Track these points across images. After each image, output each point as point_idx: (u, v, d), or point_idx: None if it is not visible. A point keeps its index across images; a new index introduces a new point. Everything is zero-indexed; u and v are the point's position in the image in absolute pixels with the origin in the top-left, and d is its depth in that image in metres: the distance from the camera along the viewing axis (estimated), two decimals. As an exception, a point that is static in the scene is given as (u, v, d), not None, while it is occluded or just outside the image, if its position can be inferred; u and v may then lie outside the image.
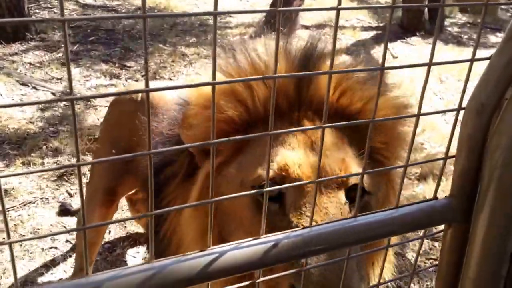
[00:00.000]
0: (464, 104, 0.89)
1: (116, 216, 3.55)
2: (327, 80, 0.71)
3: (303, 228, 0.79)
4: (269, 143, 0.74)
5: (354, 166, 1.19)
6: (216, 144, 0.67)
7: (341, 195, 1.16)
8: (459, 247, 0.97)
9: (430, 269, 3.19)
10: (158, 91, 2.35)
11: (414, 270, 1.02)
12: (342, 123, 0.88)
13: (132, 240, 3.46)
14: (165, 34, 7.11)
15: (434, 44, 0.79)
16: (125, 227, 3.55)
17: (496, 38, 8.95)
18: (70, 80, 0.54)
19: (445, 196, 0.95)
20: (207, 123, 1.23)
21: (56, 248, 3.33)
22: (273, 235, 0.76)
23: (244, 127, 1.25)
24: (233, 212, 1.21)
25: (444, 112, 0.88)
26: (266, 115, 1.22)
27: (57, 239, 3.40)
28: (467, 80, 0.86)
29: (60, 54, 5.98)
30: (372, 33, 8.49)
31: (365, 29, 8.71)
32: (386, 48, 0.74)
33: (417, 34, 8.48)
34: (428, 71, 0.82)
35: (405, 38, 8.27)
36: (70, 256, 3.24)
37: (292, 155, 1.16)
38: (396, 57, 7.37)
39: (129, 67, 5.89)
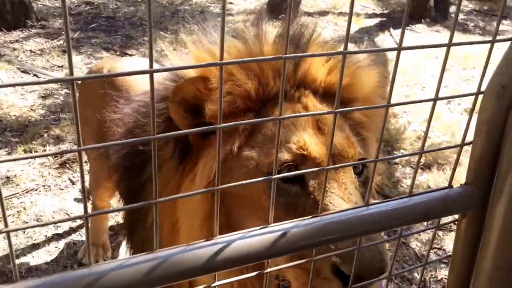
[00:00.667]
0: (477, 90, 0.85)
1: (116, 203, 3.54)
2: (342, 60, 0.66)
3: (313, 217, 0.76)
4: (278, 129, 0.70)
5: (355, 142, 1.25)
6: (223, 128, 0.64)
7: (351, 170, 1.21)
8: (475, 237, 0.93)
9: (433, 258, 3.16)
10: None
11: (426, 261, 0.98)
12: (355, 108, 0.84)
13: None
14: (167, 22, 7.02)
15: (454, 25, 0.75)
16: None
17: (502, 25, 8.82)
18: (70, 61, 0.50)
19: (460, 184, 0.91)
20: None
21: (59, 235, 3.32)
22: (283, 223, 0.72)
23: (258, 105, 1.22)
24: (245, 198, 1.18)
25: (462, 96, 0.83)
26: (276, 91, 1.22)
27: (60, 226, 3.38)
28: (487, 63, 0.82)
29: (61, 42, 5.92)
30: (376, 20, 8.38)
31: (369, 16, 8.59)
32: (404, 29, 0.70)
33: (422, 21, 8.38)
34: (447, 52, 0.77)
35: (410, 25, 8.16)
36: (75, 244, 3.23)
37: (307, 135, 1.16)
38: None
39: (131, 54, 5.82)
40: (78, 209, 3.51)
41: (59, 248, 3.21)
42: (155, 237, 0.61)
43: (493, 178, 0.88)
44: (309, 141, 1.15)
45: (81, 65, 5.44)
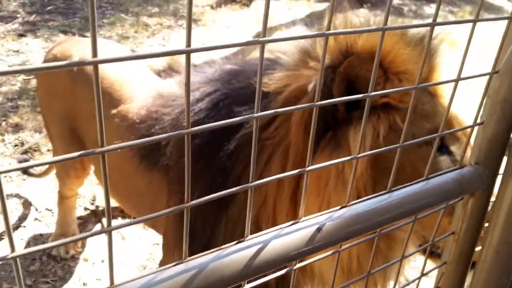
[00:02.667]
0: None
1: (87, 186, 3.32)
2: (381, 36, 0.57)
3: (341, 208, 0.68)
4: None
5: None
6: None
7: None
8: (479, 216, 0.90)
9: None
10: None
11: (433, 240, 0.94)
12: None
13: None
14: (127, 4, 6.60)
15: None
16: (93, 203, 3.32)
17: (431, 9, 9.13)
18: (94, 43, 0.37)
19: (470, 164, 0.86)
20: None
21: (24, 226, 3.06)
22: (313, 216, 0.63)
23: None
24: (403, 166, 1.13)
25: (477, 77, 0.77)
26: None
27: (24, 218, 3.12)
28: (503, 43, 0.76)
29: (16, 25, 5.40)
30: (325, 5, 8.37)
31: (319, 0, 8.57)
32: (439, 5, 0.62)
33: (364, 6, 8.49)
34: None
35: (353, 10, 8.24)
36: (41, 235, 2.99)
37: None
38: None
39: (86, 38, 5.43)
40: (43, 201, 3.25)
41: (24, 240, 2.97)
42: (185, 244, 0.50)
43: (502, 158, 0.85)
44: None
45: (39, 49, 5.00)
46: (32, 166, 0.40)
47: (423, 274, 0.99)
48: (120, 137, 1.80)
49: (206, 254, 0.53)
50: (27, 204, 3.19)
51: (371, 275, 0.83)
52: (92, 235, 0.45)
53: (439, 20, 0.62)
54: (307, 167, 0.59)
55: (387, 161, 1.12)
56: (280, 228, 0.61)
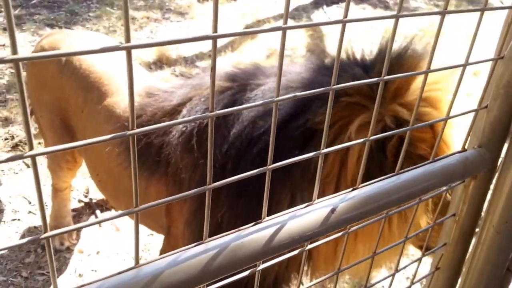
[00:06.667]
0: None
1: (80, 179, 3.27)
2: (394, 25, 0.57)
3: (352, 189, 0.68)
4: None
5: None
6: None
7: None
8: (480, 197, 0.91)
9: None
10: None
11: (435, 222, 0.95)
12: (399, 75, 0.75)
13: (100, 206, 3.22)
14: (112, -3, 6.48)
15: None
16: (86, 195, 3.28)
17: (416, 2, 9.19)
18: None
19: (473, 147, 0.87)
20: None
21: (18, 219, 3.01)
22: (327, 198, 0.63)
23: None
24: None
25: (483, 62, 0.78)
26: None
27: (18, 211, 3.07)
28: (507, 30, 0.77)
29: (1, 19, 5.27)
30: (311, -1, 8.34)
31: (304, -6, 8.54)
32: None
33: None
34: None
35: (339, 3, 8.24)
36: (36, 227, 2.95)
37: None
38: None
39: (75, 30, 5.32)
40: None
41: (19, 233, 2.92)
42: (206, 225, 0.50)
43: (504, 141, 0.86)
44: None
45: (25, 43, 4.89)
46: (26, 157, 0.39)
47: (423, 255, 1.00)
48: (110, 131, 1.77)
49: (226, 235, 0.52)
50: (20, 198, 3.14)
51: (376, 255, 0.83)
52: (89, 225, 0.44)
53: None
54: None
55: None
56: (296, 210, 0.60)
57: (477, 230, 0.97)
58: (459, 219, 0.95)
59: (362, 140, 0.59)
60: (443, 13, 0.65)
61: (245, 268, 0.54)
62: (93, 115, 1.94)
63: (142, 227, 2.96)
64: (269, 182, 0.54)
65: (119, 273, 0.42)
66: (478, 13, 0.70)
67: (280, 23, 6.57)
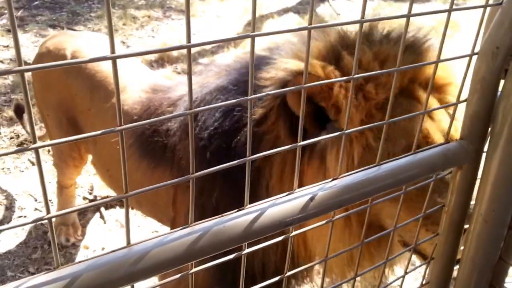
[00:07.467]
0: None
1: (86, 176, 3.34)
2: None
3: (332, 180, 0.72)
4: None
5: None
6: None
7: None
8: (467, 188, 0.95)
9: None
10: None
11: (425, 213, 0.99)
12: (374, 72, 0.79)
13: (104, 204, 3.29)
14: (113, -3, 6.54)
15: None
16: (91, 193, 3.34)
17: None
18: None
19: (455, 140, 0.91)
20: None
21: (24, 217, 3.09)
22: (309, 187, 0.68)
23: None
24: None
25: (459, 58, 0.82)
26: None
27: (24, 208, 3.14)
28: (480, 25, 0.81)
29: (5, 21, 5.35)
30: (316, -8, 8.34)
31: (309, -12, 8.54)
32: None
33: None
34: (448, 17, 0.76)
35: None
36: (42, 224, 3.02)
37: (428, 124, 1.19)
38: (339, 14, 7.30)
39: (79, 31, 5.39)
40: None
41: (26, 230, 2.99)
42: (191, 211, 0.55)
43: (486, 133, 0.89)
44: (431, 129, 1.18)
45: (29, 43, 4.97)
46: (30, 149, 0.44)
47: (416, 244, 1.04)
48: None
49: (209, 220, 0.57)
50: (26, 195, 3.21)
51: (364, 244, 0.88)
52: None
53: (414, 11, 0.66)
54: (299, 142, 0.63)
55: None
56: (276, 198, 0.65)
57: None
58: (448, 209, 0.98)
59: (338, 133, 0.64)
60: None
61: (231, 251, 0.59)
62: (101, 113, 2.00)
63: (146, 223, 3.03)
64: (249, 172, 0.59)
65: (113, 251, 0.47)
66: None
67: (284, 18, 6.59)
